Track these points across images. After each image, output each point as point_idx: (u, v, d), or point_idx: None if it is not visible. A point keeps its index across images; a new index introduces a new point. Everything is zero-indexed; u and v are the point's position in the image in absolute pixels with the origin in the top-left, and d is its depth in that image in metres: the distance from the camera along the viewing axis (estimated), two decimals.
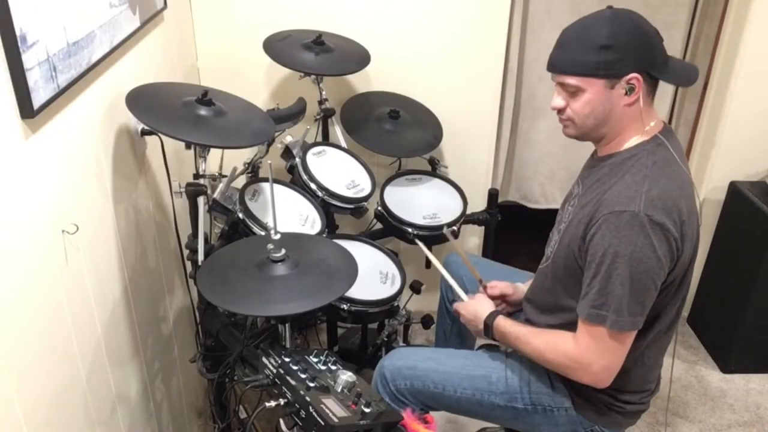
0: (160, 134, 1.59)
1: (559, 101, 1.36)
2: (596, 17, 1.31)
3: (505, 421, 1.58)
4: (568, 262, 1.39)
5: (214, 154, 1.82)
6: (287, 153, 1.96)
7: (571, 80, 1.31)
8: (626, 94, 1.29)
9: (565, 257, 1.39)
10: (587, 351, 1.32)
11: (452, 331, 1.97)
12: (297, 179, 1.92)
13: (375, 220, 2.13)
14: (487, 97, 2.38)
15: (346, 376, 1.27)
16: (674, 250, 1.27)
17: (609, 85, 1.29)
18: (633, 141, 1.35)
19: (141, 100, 1.47)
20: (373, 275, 1.85)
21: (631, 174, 1.30)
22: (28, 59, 1.03)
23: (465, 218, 2.11)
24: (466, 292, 1.79)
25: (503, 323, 1.50)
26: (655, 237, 1.23)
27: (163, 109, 1.50)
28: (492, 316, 1.53)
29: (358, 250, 1.86)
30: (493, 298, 1.68)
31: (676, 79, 1.33)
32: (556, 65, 1.34)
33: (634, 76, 1.28)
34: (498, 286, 1.71)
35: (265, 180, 1.85)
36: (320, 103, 2.17)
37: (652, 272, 1.26)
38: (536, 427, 1.52)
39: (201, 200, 1.60)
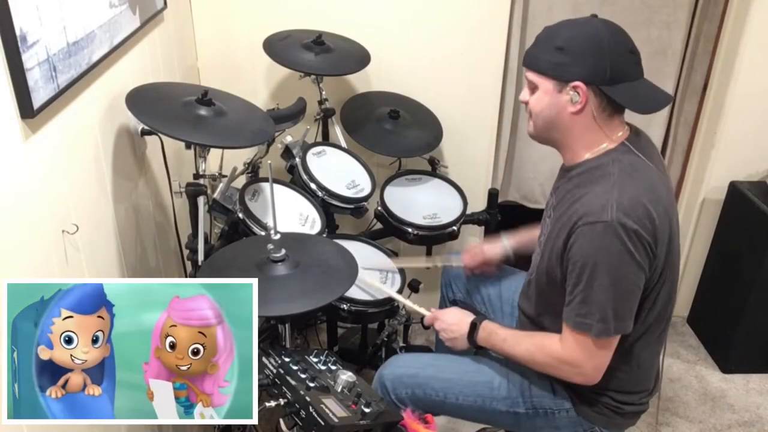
0: (160, 134, 1.59)
1: (524, 93, 1.41)
2: (576, 21, 1.34)
3: (507, 426, 1.58)
4: (549, 273, 1.40)
5: (214, 154, 1.82)
6: (287, 153, 1.96)
7: (530, 75, 1.36)
8: (572, 101, 1.30)
9: (547, 269, 1.40)
10: (573, 354, 1.34)
11: None
12: (297, 179, 1.92)
13: (375, 220, 2.13)
14: (487, 96, 2.38)
15: (346, 376, 1.28)
16: (650, 252, 1.28)
17: (557, 87, 1.31)
18: (598, 150, 1.35)
19: (141, 100, 1.47)
20: (373, 275, 1.85)
21: (600, 184, 1.30)
22: (28, 59, 1.03)
23: (465, 218, 2.11)
24: (461, 298, 1.89)
25: (491, 325, 1.50)
26: (630, 243, 1.24)
27: (163, 109, 1.50)
28: (480, 317, 1.52)
29: (358, 250, 1.86)
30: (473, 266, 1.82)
31: (630, 102, 1.29)
32: (524, 58, 1.40)
33: (579, 84, 1.28)
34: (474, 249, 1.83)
35: (265, 180, 1.85)
36: (320, 103, 2.17)
37: (632, 275, 1.27)
38: (538, 430, 1.52)
39: (201, 200, 1.59)
